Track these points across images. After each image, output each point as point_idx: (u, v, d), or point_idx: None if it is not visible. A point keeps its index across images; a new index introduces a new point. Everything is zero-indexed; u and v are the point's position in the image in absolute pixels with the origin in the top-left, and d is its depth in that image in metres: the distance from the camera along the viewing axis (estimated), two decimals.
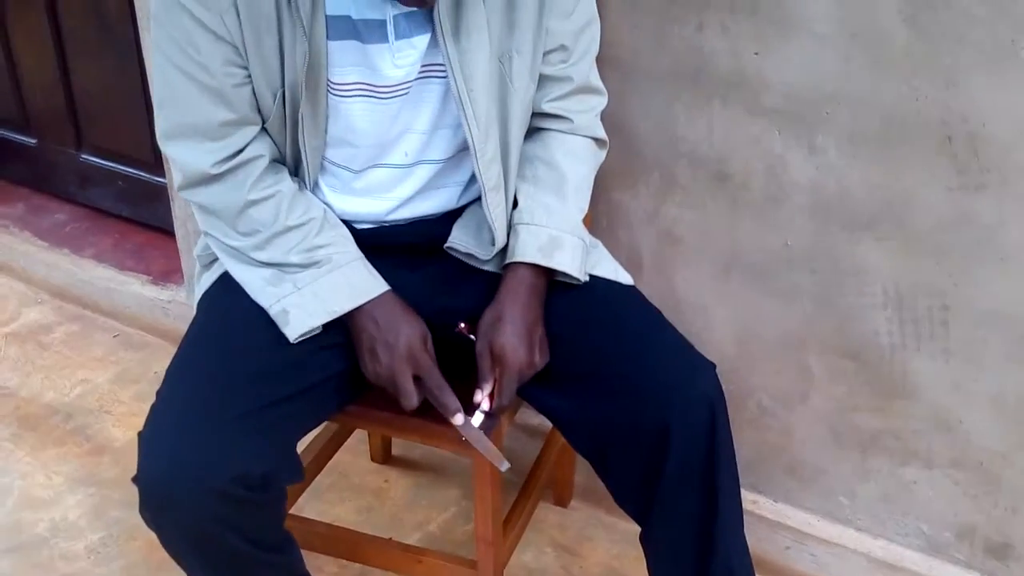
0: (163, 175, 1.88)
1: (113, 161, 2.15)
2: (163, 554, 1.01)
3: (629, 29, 1.26)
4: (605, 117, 1.18)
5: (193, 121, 1.01)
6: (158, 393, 1.01)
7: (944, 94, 1.10)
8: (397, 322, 1.04)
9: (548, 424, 1.39)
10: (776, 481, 1.42)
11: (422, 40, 1.01)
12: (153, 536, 0.99)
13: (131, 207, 2.18)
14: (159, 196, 1.99)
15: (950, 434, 1.25)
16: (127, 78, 1.97)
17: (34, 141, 2.29)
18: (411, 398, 1.03)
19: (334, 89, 1.03)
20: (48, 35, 2.08)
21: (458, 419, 1.04)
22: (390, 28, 0.99)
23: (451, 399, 1.04)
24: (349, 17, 0.99)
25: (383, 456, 1.67)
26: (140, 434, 0.97)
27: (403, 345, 1.03)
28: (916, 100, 1.11)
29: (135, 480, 0.95)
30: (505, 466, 1.07)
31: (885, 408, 1.29)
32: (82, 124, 2.17)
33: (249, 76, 1.00)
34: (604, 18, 1.15)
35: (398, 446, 1.69)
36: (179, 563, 1.03)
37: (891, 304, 1.23)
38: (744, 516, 1.10)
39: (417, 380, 1.04)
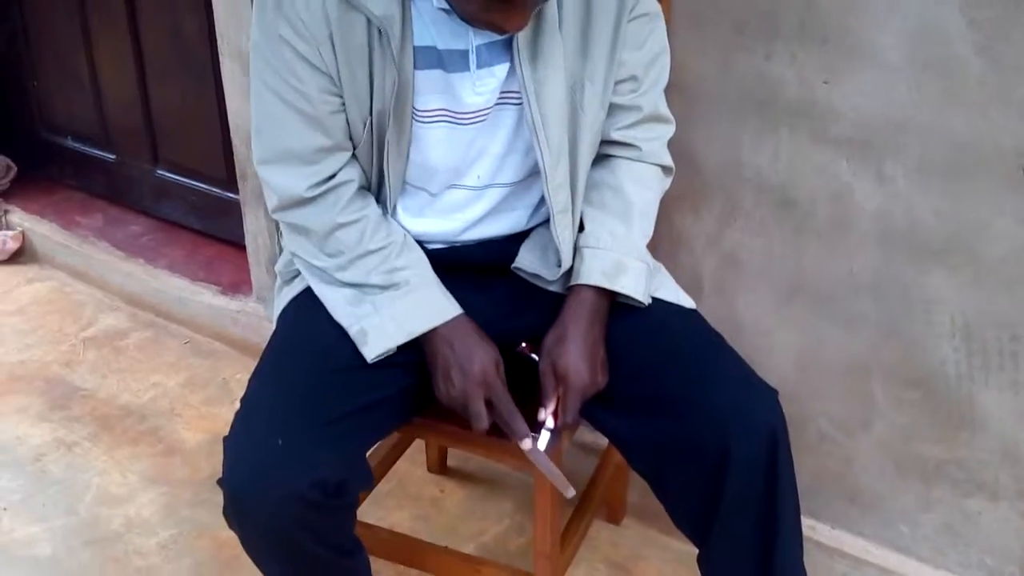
0: (235, 191, 1.95)
1: (187, 177, 2.23)
2: (230, 552, 1.05)
3: (697, 57, 1.27)
4: (671, 142, 1.20)
5: (290, 146, 1.06)
6: (242, 400, 1.05)
7: (1018, 124, 1.09)
8: (472, 347, 1.07)
9: (603, 441, 1.41)
10: (835, 507, 1.41)
11: (502, 69, 1.05)
12: (221, 535, 1.03)
13: (203, 220, 2.26)
14: (230, 210, 2.06)
15: (1017, 466, 1.24)
16: (203, 98, 2.05)
17: (113, 157, 2.39)
18: (482, 421, 1.06)
19: (418, 116, 1.07)
20: (130, 55, 2.18)
21: (526, 444, 1.07)
22: (472, 57, 1.03)
23: (521, 425, 1.06)
24: (435, 48, 1.03)
25: (439, 466, 1.70)
26: (225, 439, 1.02)
27: (477, 370, 1.06)
28: (989, 130, 1.11)
29: (220, 483, 0.99)
30: (571, 493, 1.09)
31: (950, 438, 1.28)
32: (159, 141, 2.26)
33: (343, 104, 1.05)
34: (672, 44, 1.17)
35: (454, 457, 1.72)
36: (257, 564, 1.07)
37: (959, 334, 1.22)
38: (803, 541, 1.10)
39: (488, 403, 1.07)
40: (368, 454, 1.37)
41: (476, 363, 1.06)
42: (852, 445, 1.36)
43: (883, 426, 1.33)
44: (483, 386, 1.06)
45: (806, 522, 1.36)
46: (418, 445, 1.67)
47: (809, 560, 1.13)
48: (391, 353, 1.07)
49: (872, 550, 1.39)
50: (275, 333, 1.16)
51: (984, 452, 1.26)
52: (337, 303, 1.09)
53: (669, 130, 1.19)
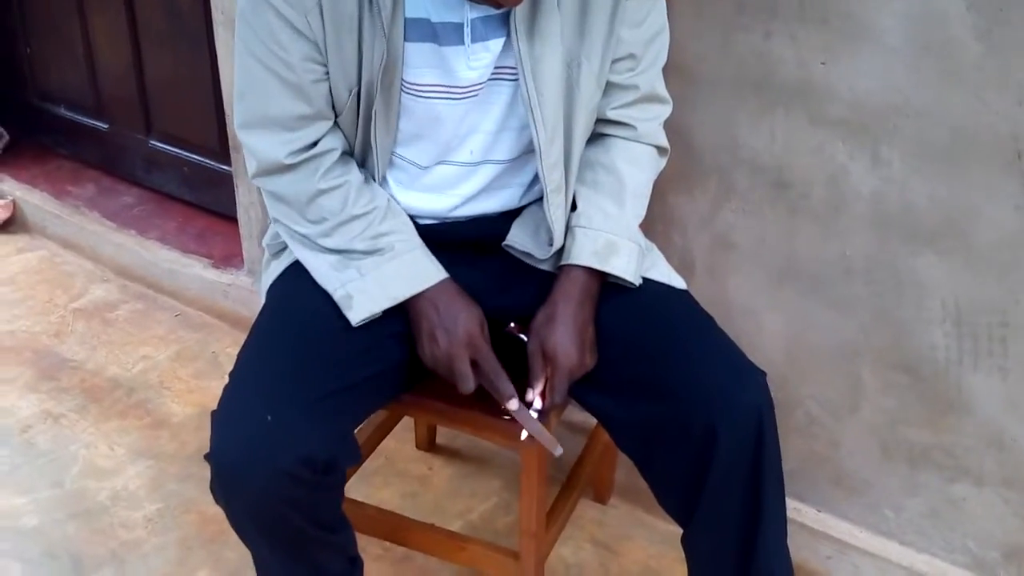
0: (227, 163, 1.94)
1: (180, 147, 2.21)
2: (215, 527, 1.05)
3: (696, 36, 1.26)
4: (666, 121, 1.19)
5: (271, 113, 1.05)
6: (231, 375, 1.04)
7: (1016, 110, 1.08)
8: (456, 308, 1.07)
9: (591, 421, 1.41)
10: (821, 490, 1.42)
11: (497, 43, 1.04)
12: (207, 510, 1.03)
13: (195, 192, 2.24)
14: (223, 183, 2.05)
15: (1003, 452, 1.24)
16: (197, 68, 2.03)
17: (106, 126, 2.37)
18: (468, 381, 1.06)
19: (408, 88, 1.05)
20: (124, 24, 2.16)
21: (512, 404, 1.07)
22: (467, 31, 1.02)
23: (507, 384, 1.06)
24: (428, 20, 1.02)
25: (428, 444, 1.70)
26: (213, 413, 1.01)
27: (462, 330, 1.05)
28: (986, 115, 1.10)
29: (207, 457, 0.99)
30: (559, 451, 1.09)
31: (937, 423, 1.28)
32: (152, 111, 2.24)
33: (327, 73, 1.04)
34: (671, 23, 1.15)
35: (442, 435, 1.72)
36: (242, 538, 1.07)
37: (949, 319, 1.22)
38: (787, 523, 1.10)
39: (474, 365, 1.06)
40: (356, 431, 1.37)
41: (461, 324, 1.06)
42: (839, 428, 1.37)
43: (870, 410, 1.33)
44: (468, 347, 1.06)
45: (792, 504, 1.37)
46: (407, 423, 1.67)
47: (794, 542, 1.13)
48: (376, 317, 1.06)
49: (857, 533, 1.40)
50: (264, 307, 1.15)
51: (970, 438, 1.26)
52: (322, 268, 1.09)
53: (666, 110, 1.18)
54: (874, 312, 1.27)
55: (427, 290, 1.07)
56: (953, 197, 1.16)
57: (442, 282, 1.08)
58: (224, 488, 0.99)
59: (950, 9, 1.08)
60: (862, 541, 1.39)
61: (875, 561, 1.38)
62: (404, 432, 1.67)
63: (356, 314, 1.06)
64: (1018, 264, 1.15)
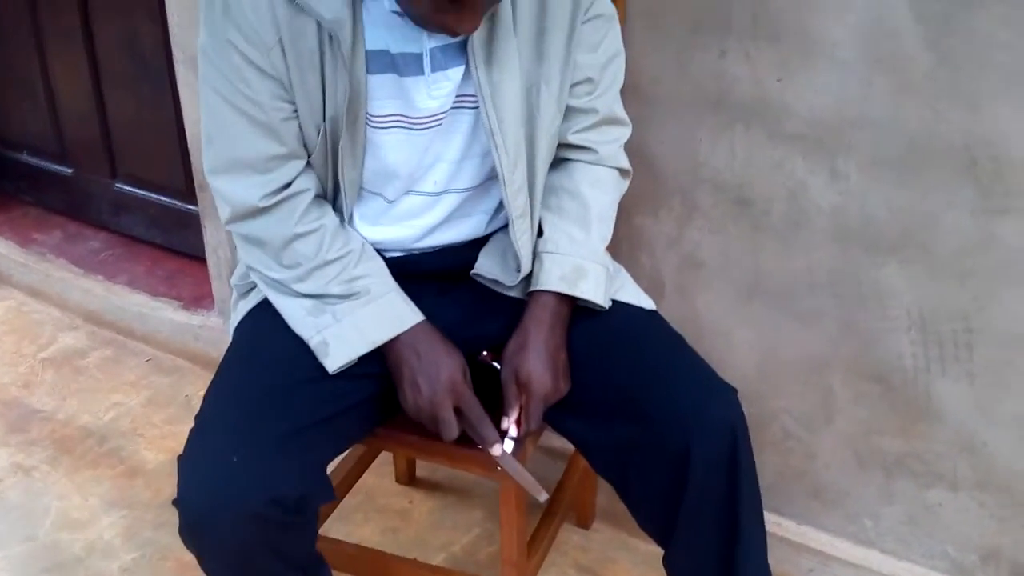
0: (195, 203, 1.92)
1: (146, 190, 2.20)
2: (194, 574, 1.03)
3: (652, 57, 1.28)
4: (627, 143, 1.20)
5: (243, 155, 1.04)
6: (196, 418, 1.03)
7: (968, 118, 1.11)
8: (439, 354, 1.06)
9: (570, 447, 1.40)
10: (799, 503, 1.42)
11: (456, 72, 1.04)
12: (185, 557, 1.01)
13: (163, 234, 2.22)
14: (191, 224, 2.04)
15: (975, 456, 1.25)
16: (161, 109, 2.02)
17: (70, 171, 2.34)
18: (452, 429, 1.05)
19: (372, 121, 1.05)
20: (85, 67, 2.15)
21: (497, 450, 1.06)
22: (426, 61, 1.02)
23: (491, 431, 1.05)
24: (388, 51, 1.02)
25: (408, 478, 1.68)
26: (179, 458, 0.99)
27: (445, 378, 1.04)
28: (939, 124, 1.12)
29: (175, 503, 0.97)
30: (544, 497, 1.08)
31: (909, 431, 1.29)
32: (116, 154, 2.22)
33: (296, 111, 1.03)
34: (627, 45, 1.17)
35: (422, 468, 1.70)
36: None
37: (915, 327, 1.23)
38: (767, 538, 1.10)
39: (456, 412, 1.06)
40: (333, 468, 1.36)
41: (444, 371, 1.05)
42: (814, 441, 1.37)
43: (844, 421, 1.34)
44: (452, 394, 1.05)
45: (771, 519, 1.37)
46: (386, 457, 1.65)
47: (775, 556, 1.13)
48: (353, 364, 1.06)
49: (837, 544, 1.40)
50: (231, 347, 1.14)
51: (942, 444, 1.27)
52: (296, 314, 1.08)
53: (625, 132, 1.19)
54: (841, 324, 1.29)
55: (404, 333, 1.06)
56: (912, 207, 1.18)
57: (419, 324, 1.07)
58: (193, 534, 0.97)
59: (899, 22, 1.11)
60: (843, 552, 1.40)
61: (857, 571, 1.39)
62: (383, 467, 1.66)
63: (333, 361, 1.05)
64: (979, 269, 1.17)
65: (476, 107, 1.06)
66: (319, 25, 0.98)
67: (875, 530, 1.37)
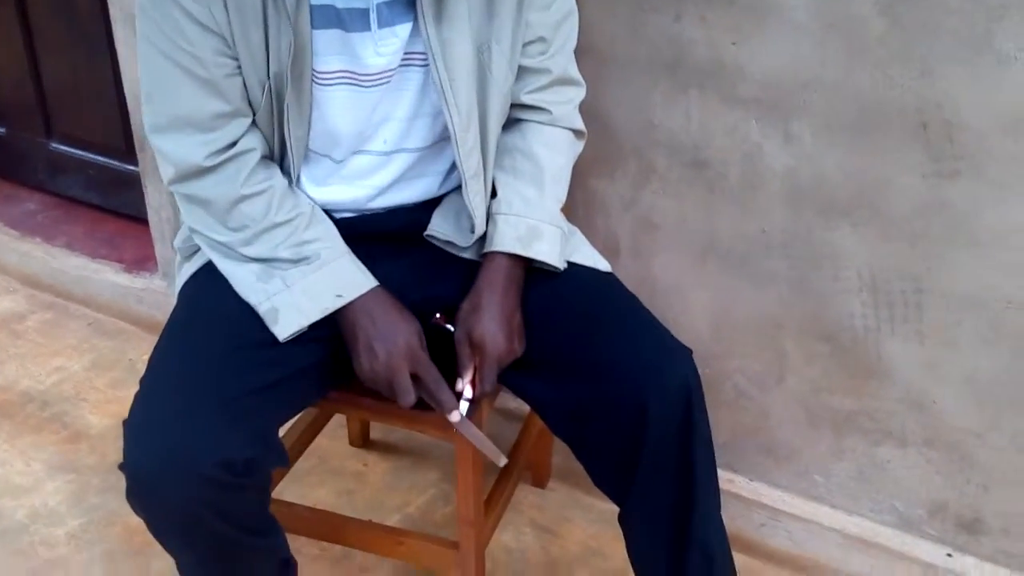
0: (135, 163, 1.86)
1: (83, 149, 2.12)
2: (142, 539, 1.02)
3: (606, 18, 1.26)
4: (582, 105, 1.19)
5: (185, 113, 1.00)
6: (141, 381, 1.00)
7: (919, 82, 1.11)
8: (394, 320, 1.04)
9: (526, 407, 1.41)
10: (752, 460, 1.45)
11: (404, 28, 1.01)
12: (132, 521, 0.99)
13: (102, 195, 2.15)
14: (131, 184, 1.97)
15: (923, 414, 1.29)
16: (98, 69, 1.95)
17: (3, 130, 2.25)
18: (409, 395, 1.03)
19: (318, 78, 1.02)
20: (16, 25, 2.06)
21: (455, 416, 1.05)
22: (373, 16, 0.99)
23: (448, 396, 1.04)
24: (333, 6, 0.99)
25: (362, 440, 1.68)
26: (125, 422, 0.97)
27: (402, 343, 1.03)
28: (891, 88, 1.13)
29: (121, 467, 0.95)
30: (503, 461, 1.08)
31: (859, 389, 1.32)
32: (52, 114, 2.14)
33: (239, 67, 1.00)
34: (581, 7, 1.15)
35: (376, 430, 1.69)
36: (166, 548, 1.03)
37: (866, 288, 1.25)
38: (720, 494, 1.12)
39: (413, 378, 1.04)
40: (286, 431, 1.34)
41: (401, 337, 1.03)
42: (766, 399, 1.40)
43: (795, 380, 1.36)
44: (409, 360, 1.03)
45: (725, 476, 1.40)
46: (340, 420, 1.64)
47: (728, 512, 1.15)
48: (303, 331, 1.03)
49: (788, 500, 1.43)
50: (175, 310, 1.11)
51: (891, 401, 1.30)
52: (243, 280, 1.05)
53: (580, 93, 1.17)
54: (794, 285, 1.30)
55: (358, 299, 1.04)
56: (864, 170, 1.19)
57: (373, 290, 1.05)
58: (141, 498, 0.95)
59: None
60: (794, 507, 1.43)
61: (807, 526, 1.42)
62: (337, 429, 1.64)
63: (283, 328, 1.02)
64: (929, 231, 1.18)
65: (425, 65, 1.03)
66: None
67: (825, 486, 1.41)
